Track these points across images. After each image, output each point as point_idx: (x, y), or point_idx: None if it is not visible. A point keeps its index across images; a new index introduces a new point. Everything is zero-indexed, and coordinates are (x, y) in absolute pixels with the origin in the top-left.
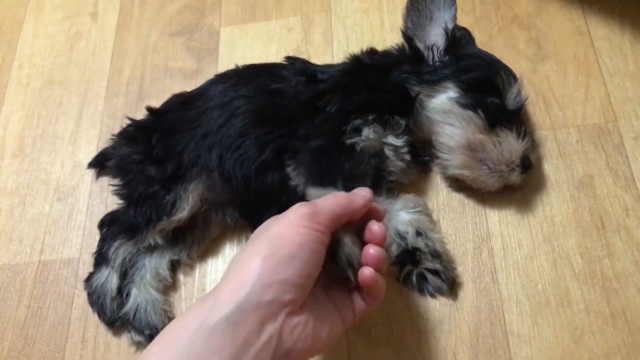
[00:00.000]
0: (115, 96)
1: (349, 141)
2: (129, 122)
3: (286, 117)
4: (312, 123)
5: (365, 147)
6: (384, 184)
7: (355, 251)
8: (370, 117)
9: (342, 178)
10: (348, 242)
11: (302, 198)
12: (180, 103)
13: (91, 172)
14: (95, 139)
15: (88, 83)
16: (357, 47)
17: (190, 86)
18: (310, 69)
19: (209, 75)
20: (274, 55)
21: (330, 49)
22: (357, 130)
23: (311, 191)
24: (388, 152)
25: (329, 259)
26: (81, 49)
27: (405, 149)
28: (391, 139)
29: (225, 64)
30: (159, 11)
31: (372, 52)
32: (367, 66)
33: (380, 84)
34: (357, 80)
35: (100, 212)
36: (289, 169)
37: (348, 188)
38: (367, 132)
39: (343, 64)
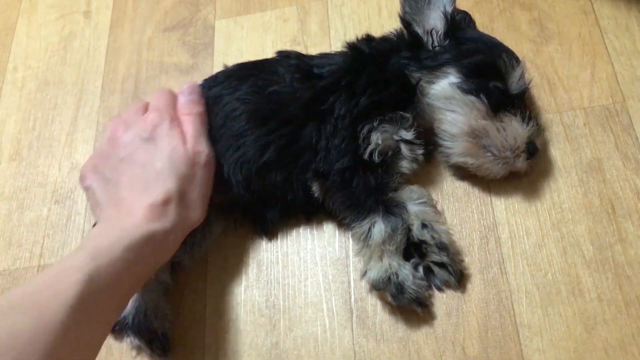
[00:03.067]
0: (110, 95)
1: (366, 154)
2: None
3: (286, 117)
4: (323, 131)
5: (382, 150)
6: (391, 183)
7: None
8: (376, 122)
9: (374, 192)
10: None
11: (307, 197)
12: None
13: None
14: (91, 139)
15: (83, 83)
16: (354, 35)
17: (186, 82)
18: (305, 64)
19: (205, 70)
20: (270, 47)
21: (327, 39)
22: (368, 138)
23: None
24: (404, 150)
25: None
26: (75, 49)
27: (419, 147)
28: (403, 133)
29: (221, 58)
30: (153, 7)
31: (368, 39)
32: (366, 56)
33: (381, 74)
34: (359, 76)
35: None
36: (314, 187)
37: (382, 201)
38: (376, 137)
39: (341, 54)
